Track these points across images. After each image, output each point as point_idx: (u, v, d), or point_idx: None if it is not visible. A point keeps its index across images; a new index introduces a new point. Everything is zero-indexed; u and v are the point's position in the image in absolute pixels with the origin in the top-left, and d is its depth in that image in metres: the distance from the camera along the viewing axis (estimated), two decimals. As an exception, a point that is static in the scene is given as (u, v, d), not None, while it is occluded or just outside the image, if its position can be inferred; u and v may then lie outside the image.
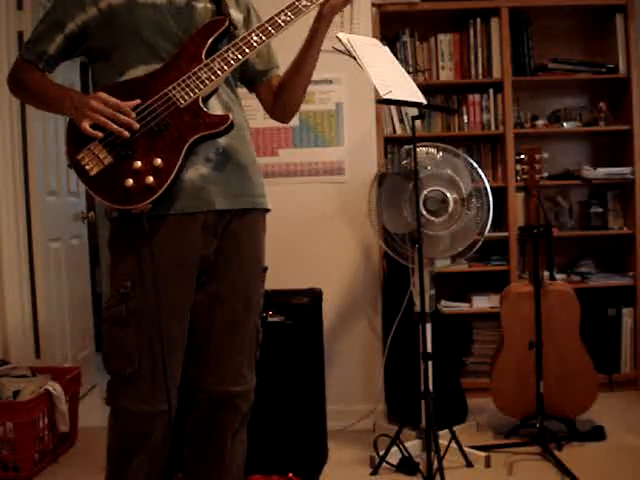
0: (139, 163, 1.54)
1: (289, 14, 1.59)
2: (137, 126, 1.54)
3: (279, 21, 1.59)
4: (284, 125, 3.26)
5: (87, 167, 1.56)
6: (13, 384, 2.81)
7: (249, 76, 1.85)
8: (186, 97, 1.57)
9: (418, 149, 2.72)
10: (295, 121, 3.26)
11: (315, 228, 3.31)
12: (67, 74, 3.57)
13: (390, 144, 3.61)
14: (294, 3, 1.60)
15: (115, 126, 1.53)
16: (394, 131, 3.60)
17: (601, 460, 2.73)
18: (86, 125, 1.53)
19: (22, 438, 2.66)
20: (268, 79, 1.85)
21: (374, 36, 3.25)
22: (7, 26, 3.22)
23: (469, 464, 2.71)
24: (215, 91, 1.64)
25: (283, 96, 1.82)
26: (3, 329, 3.26)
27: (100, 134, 1.54)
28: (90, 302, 4.17)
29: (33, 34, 1.69)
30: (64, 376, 3.00)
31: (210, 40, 1.60)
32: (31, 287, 3.36)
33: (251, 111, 3.17)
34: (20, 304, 3.30)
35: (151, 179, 1.53)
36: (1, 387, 2.80)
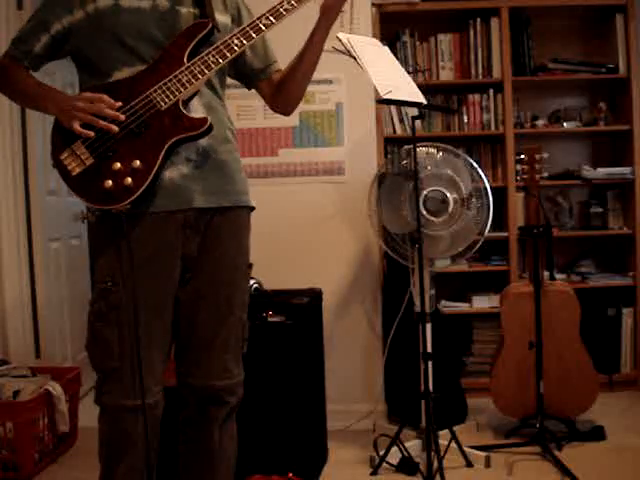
0: (118, 164, 1.57)
1: (270, 18, 1.62)
2: (123, 117, 1.57)
3: (260, 25, 1.62)
4: (284, 125, 3.27)
5: (69, 167, 1.60)
6: (13, 384, 2.81)
7: (248, 75, 1.87)
8: (166, 100, 1.59)
9: (418, 149, 2.72)
10: (295, 121, 3.26)
11: (315, 228, 3.31)
12: (67, 76, 3.57)
13: (390, 144, 3.60)
14: (275, 7, 1.62)
15: (103, 122, 1.56)
16: (394, 131, 3.60)
17: (601, 460, 2.73)
18: (77, 126, 1.57)
19: (22, 438, 2.66)
20: (268, 75, 1.86)
21: (374, 36, 3.25)
22: (7, 26, 3.21)
23: (469, 464, 2.71)
24: (197, 93, 1.66)
25: (284, 91, 1.85)
26: (3, 329, 3.26)
27: (92, 133, 1.57)
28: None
29: (21, 31, 1.72)
30: (64, 376, 3.00)
31: (192, 43, 1.62)
32: (31, 287, 3.36)
33: (251, 111, 3.24)
34: (20, 304, 3.30)
35: (129, 180, 1.57)
36: (1, 387, 2.80)
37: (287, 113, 1.92)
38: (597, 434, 2.94)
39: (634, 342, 3.64)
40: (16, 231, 3.29)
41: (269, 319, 2.60)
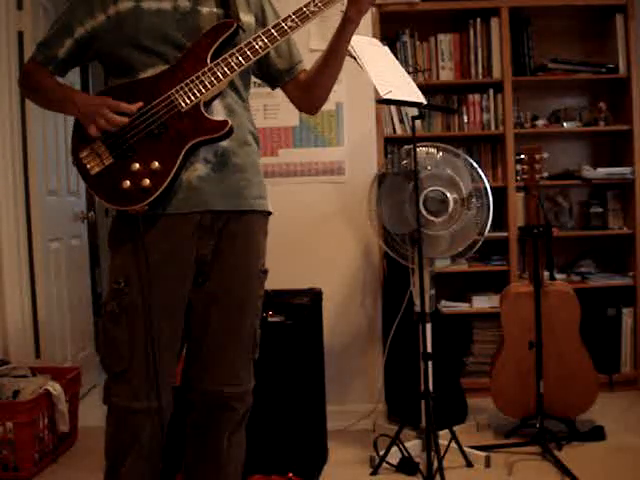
0: (137, 165, 1.57)
1: (296, 20, 1.59)
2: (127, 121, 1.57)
3: (285, 27, 1.59)
4: (284, 125, 3.28)
5: (88, 166, 1.60)
6: (13, 384, 2.81)
7: (273, 75, 1.85)
8: (187, 101, 1.58)
9: (418, 149, 2.72)
10: (295, 121, 3.27)
11: (315, 228, 3.32)
12: (68, 76, 3.56)
13: (390, 144, 3.60)
14: (301, 9, 1.60)
15: (116, 119, 1.56)
16: (394, 131, 3.60)
17: (601, 460, 2.73)
18: (93, 129, 1.58)
19: (22, 438, 2.65)
20: (293, 76, 1.84)
21: (374, 36, 3.25)
22: (7, 26, 3.22)
23: (469, 464, 2.71)
24: (219, 94, 1.64)
25: (311, 92, 1.83)
26: (3, 329, 3.26)
27: (95, 130, 1.58)
28: (90, 302, 4.16)
29: (45, 37, 1.73)
30: (64, 376, 2.99)
31: (216, 44, 1.61)
32: (31, 287, 3.36)
33: (251, 111, 3.22)
34: (20, 304, 3.30)
35: (147, 182, 1.56)
36: (1, 387, 2.80)
37: (314, 112, 1.90)
38: (597, 434, 2.94)
39: (634, 342, 3.64)
40: (16, 231, 3.29)
41: (269, 319, 2.60)
